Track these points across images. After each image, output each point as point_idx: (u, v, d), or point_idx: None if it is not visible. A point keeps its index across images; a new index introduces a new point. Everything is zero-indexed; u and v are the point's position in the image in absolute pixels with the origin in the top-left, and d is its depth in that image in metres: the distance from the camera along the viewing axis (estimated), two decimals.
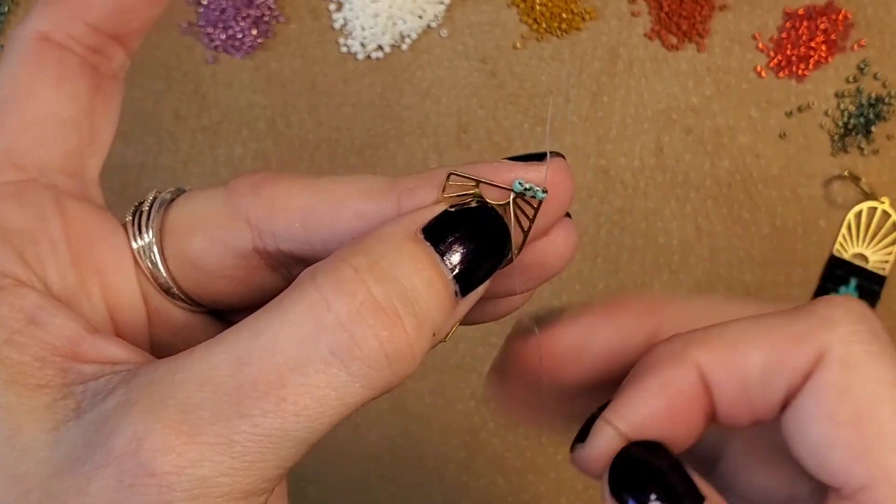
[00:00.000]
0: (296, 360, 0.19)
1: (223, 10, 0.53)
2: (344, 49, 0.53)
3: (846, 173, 0.51)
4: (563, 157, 0.22)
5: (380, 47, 0.53)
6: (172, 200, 0.24)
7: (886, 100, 0.52)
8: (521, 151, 0.55)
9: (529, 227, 0.22)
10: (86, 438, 0.19)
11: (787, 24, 0.53)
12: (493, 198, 0.21)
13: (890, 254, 0.51)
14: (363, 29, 0.53)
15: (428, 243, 0.20)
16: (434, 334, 0.20)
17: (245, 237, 0.23)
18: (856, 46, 0.53)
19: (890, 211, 0.51)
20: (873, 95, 0.52)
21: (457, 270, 0.21)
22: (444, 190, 0.22)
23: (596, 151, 0.52)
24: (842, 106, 0.52)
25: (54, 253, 0.22)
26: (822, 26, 0.52)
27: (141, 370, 0.20)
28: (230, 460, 0.18)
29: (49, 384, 0.20)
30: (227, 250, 0.23)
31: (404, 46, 0.53)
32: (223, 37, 0.53)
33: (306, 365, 0.19)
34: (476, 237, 0.21)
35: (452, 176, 0.21)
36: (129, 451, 0.18)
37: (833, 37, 0.53)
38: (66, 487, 0.19)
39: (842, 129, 0.52)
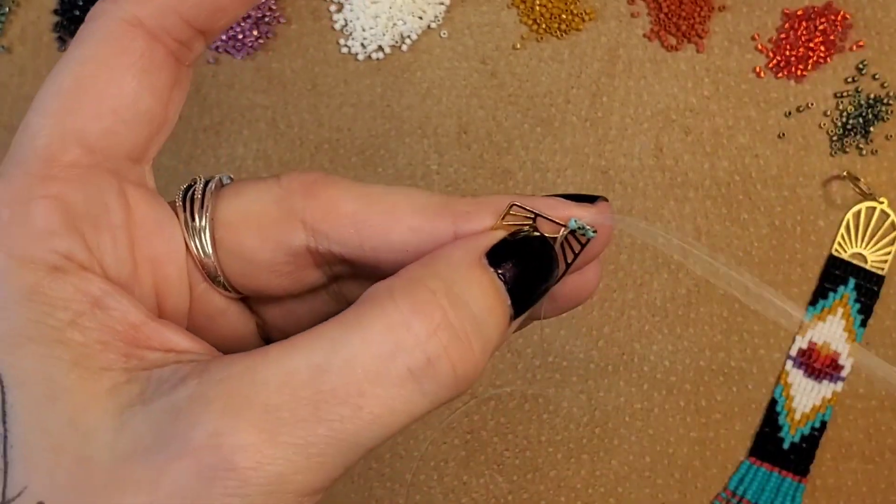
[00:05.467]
0: (375, 374, 0.20)
1: None
2: (344, 50, 0.53)
3: (845, 174, 0.51)
4: (608, 202, 0.24)
5: (380, 48, 0.53)
6: (222, 187, 0.25)
7: (885, 100, 0.52)
8: (521, 151, 0.55)
9: (573, 261, 0.24)
10: (156, 427, 0.19)
11: (786, 25, 0.53)
12: (545, 231, 0.23)
13: (888, 253, 0.51)
14: (364, 30, 0.53)
15: (492, 269, 0.22)
16: None
17: (300, 237, 0.24)
18: (854, 47, 0.53)
19: (888, 211, 0.51)
20: (872, 96, 0.52)
21: (512, 295, 0.22)
22: (503, 218, 0.23)
23: (595, 152, 0.52)
24: (840, 106, 0.52)
25: (114, 240, 0.22)
26: (820, 27, 0.53)
27: (212, 365, 0.20)
28: (305, 460, 0.19)
29: (112, 367, 0.20)
30: (280, 248, 0.24)
31: (404, 47, 0.53)
32: (224, 37, 0.53)
33: (384, 379, 0.20)
34: (532, 265, 0.23)
35: (514, 207, 0.23)
36: (210, 445, 0.19)
37: (832, 37, 0.53)
38: (135, 474, 0.19)
39: (840, 130, 0.52)
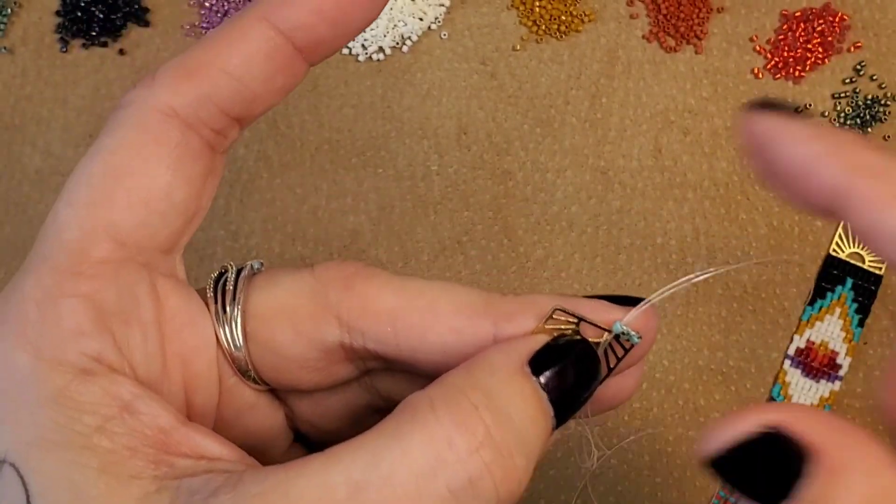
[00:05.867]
0: (415, 494, 0.19)
1: (225, 12, 0.53)
2: (345, 51, 0.53)
3: None
4: (649, 303, 0.23)
5: (381, 49, 0.53)
6: (253, 275, 0.24)
7: (883, 101, 0.52)
8: (521, 152, 0.55)
9: (616, 366, 0.23)
10: None
11: (784, 27, 0.53)
12: (588, 334, 0.22)
13: None
14: (364, 31, 0.53)
15: (534, 378, 0.21)
16: None
17: (334, 333, 0.23)
18: (852, 48, 0.53)
19: None
20: (870, 97, 0.52)
21: (555, 403, 0.21)
22: (545, 321, 0.22)
23: (595, 153, 0.52)
24: (838, 107, 0.53)
25: (144, 337, 0.21)
26: (818, 28, 0.53)
27: (247, 477, 0.19)
28: None
29: (141, 475, 0.19)
30: (314, 344, 0.23)
31: (405, 48, 0.53)
32: None
33: (424, 499, 0.19)
34: (575, 372, 0.22)
35: (557, 311, 0.22)
36: None
37: (830, 39, 0.53)
38: None
39: None
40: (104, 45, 0.53)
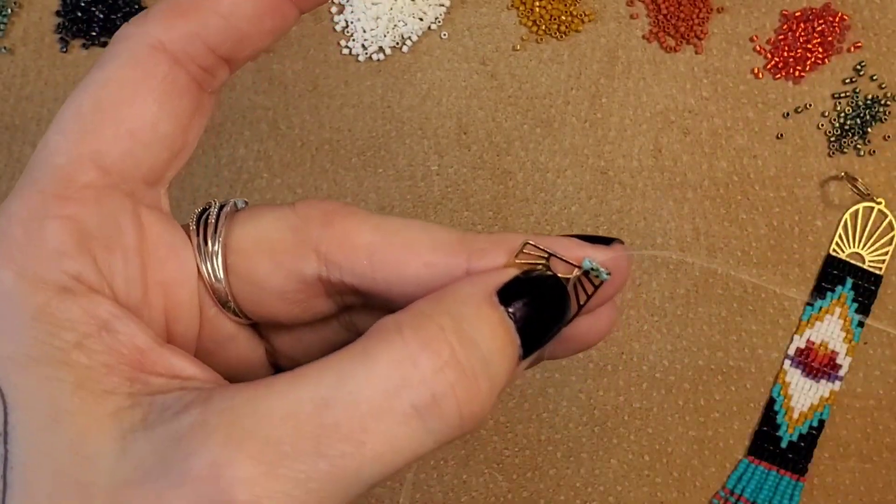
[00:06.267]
0: (379, 410, 0.19)
1: None
2: (345, 51, 0.53)
3: (843, 174, 0.52)
4: (623, 244, 0.23)
5: (381, 49, 0.53)
6: (236, 211, 0.24)
7: (883, 101, 0.52)
8: (521, 152, 0.55)
9: (585, 303, 0.23)
10: (157, 454, 0.19)
11: (784, 27, 0.53)
12: (559, 271, 0.23)
13: (886, 253, 0.51)
14: (364, 31, 0.53)
15: (502, 308, 0.21)
16: None
17: (312, 266, 0.24)
18: (852, 48, 0.53)
19: (886, 211, 0.51)
20: (870, 97, 0.52)
21: (522, 334, 0.22)
22: (516, 256, 0.23)
23: (595, 153, 0.52)
24: (838, 107, 0.53)
25: (126, 263, 0.22)
26: (818, 28, 0.53)
27: (216, 393, 0.20)
28: (304, 495, 0.19)
29: (116, 391, 0.20)
30: (293, 276, 0.24)
31: (405, 48, 0.53)
32: None
33: (388, 415, 0.19)
34: (543, 305, 0.22)
35: (528, 245, 0.23)
36: (209, 476, 0.18)
37: (830, 39, 0.53)
38: (134, 501, 0.19)
39: (838, 131, 0.52)
40: (104, 45, 0.53)
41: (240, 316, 0.25)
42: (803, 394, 0.50)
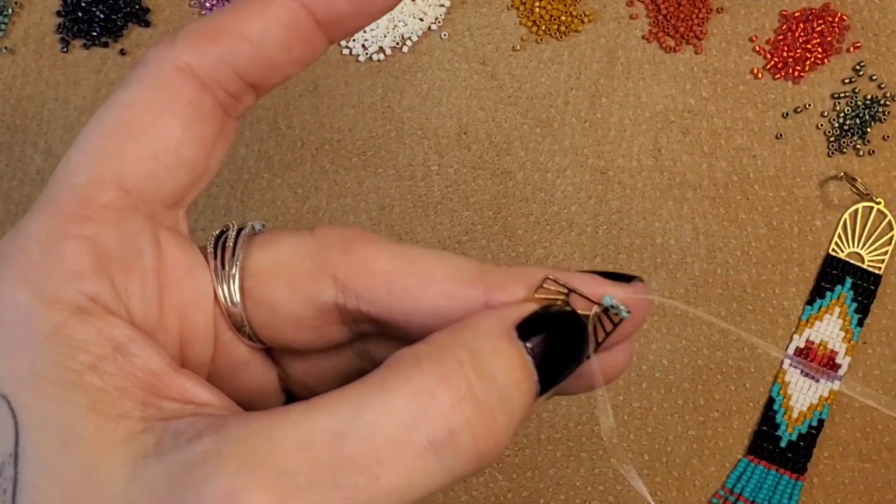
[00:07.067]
0: (395, 443, 0.19)
1: None
2: (345, 51, 0.53)
3: (842, 174, 0.52)
4: (643, 282, 0.23)
5: (381, 49, 0.53)
6: (254, 235, 0.24)
7: (882, 101, 0.53)
8: (520, 152, 0.55)
9: (604, 340, 0.23)
10: (168, 480, 0.19)
11: (784, 27, 0.53)
12: (578, 307, 0.22)
13: (885, 253, 0.51)
14: (364, 31, 0.53)
15: (521, 343, 0.21)
16: None
17: (329, 292, 0.23)
18: (851, 48, 0.53)
19: (885, 211, 0.52)
20: (869, 97, 0.53)
21: (540, 370, 0.21)
22: (535, 291, 0.22)
23: (594, 153, 0.53)
24: (838, 107, 0.53)
25: (143, 285, 0.22)
26: (818, 28, 0.53)
27: (230, 421, 0.19)
28: None
29: (129, 415, 0.20)
30: (309, 302, 0.24)
31: (405, 49, 0.53)
32: None
33: (404, 449, 0.19)
34: (562, 341, 0.22)
35: (547, 280, 0.22)
36: None
37: (829, 39, 0.53)
38: None
39: (837, 131, 0.52)
40: (105, 45, 0.53)
41: (255, 341, 0.25)
42: (803, 393, 0.50)
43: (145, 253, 0.22)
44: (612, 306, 0.22)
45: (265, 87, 0.24)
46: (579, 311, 0.22)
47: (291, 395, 0.28)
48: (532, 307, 0.22)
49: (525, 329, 0.21)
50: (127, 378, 0.20)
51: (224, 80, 0.23)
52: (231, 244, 0.24)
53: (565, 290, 0.23)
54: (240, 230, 0.24)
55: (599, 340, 0.23)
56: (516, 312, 0.22)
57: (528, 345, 0.21)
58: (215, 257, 0.24)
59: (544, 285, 0.22)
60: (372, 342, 0.26)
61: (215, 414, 0.20)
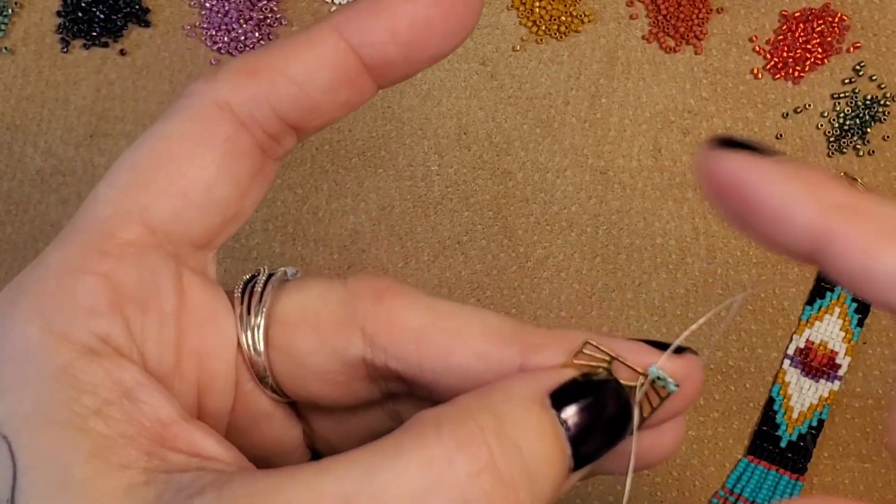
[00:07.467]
0: None
1: (226, 13, 0.54)
2: None
3: (842, 174, 0.52)
4: (697, 354, 0.21)
5: None
6: (285, 281, 0.23)
7: (882, 101, 0.53)
8: (520, 152, 0.55)
9: (650, 415, 0.21)
10: None
11: (784, 27, 0.54)
12: (621, 376, 0.21)
13: None
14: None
15: (554, 412, 0.19)
16: None
17: (357, 346, 0.22)
18: (851, 49, 0.53)
19: None
20: (869, 97, 0.53)
21: (574, 443, 0.20)
22: (575, 355, 0.21)
23: (594, 153, 0.53)
24: (838, 108, 0.53)
25: (161, 328, 0.21)
26: (818, 29, 0.53)
27: (235, 478, 0.18)
28: None
29: (131, 465, 0.19)
30: (336, 355, 0.22)
31: None
32: (226, 39, 0.53)
33: None
34: (602, 413, 0.20)
35: (588, 345, 0.21)
36: None
37: (829, 39, 0.53)
38: None
39: (838, 131, 0.52)
40: (105, 45, 0.53)
41: (278, 393, 0.23)
42: (803, 393, 0.50)
43: (165, 294, 0.21)
44: (659, 378, 0.20)
45: (308, 129, 0.23)
46: (622, 382, 0.20)
47: (317, 453, 0.26)
48: (570, 373, 0.20)
49: (560, 397, 0.20)
50: (133, 425, 0.19)
51: (263, 120, 0.22)
52: (259, 289, 0.23)
53: (607, 357, 0.20)
54: (270, 275, 0.23)
55: (645, 416, 0.21)
56: (552, 378, 0.20)
57: (563, 415, 0.19)
58: (241, 302, 0.23)
59: (584, 350, 0.21)
60: (403, 403, 0.24)
61: (222, 470, 0.19)
